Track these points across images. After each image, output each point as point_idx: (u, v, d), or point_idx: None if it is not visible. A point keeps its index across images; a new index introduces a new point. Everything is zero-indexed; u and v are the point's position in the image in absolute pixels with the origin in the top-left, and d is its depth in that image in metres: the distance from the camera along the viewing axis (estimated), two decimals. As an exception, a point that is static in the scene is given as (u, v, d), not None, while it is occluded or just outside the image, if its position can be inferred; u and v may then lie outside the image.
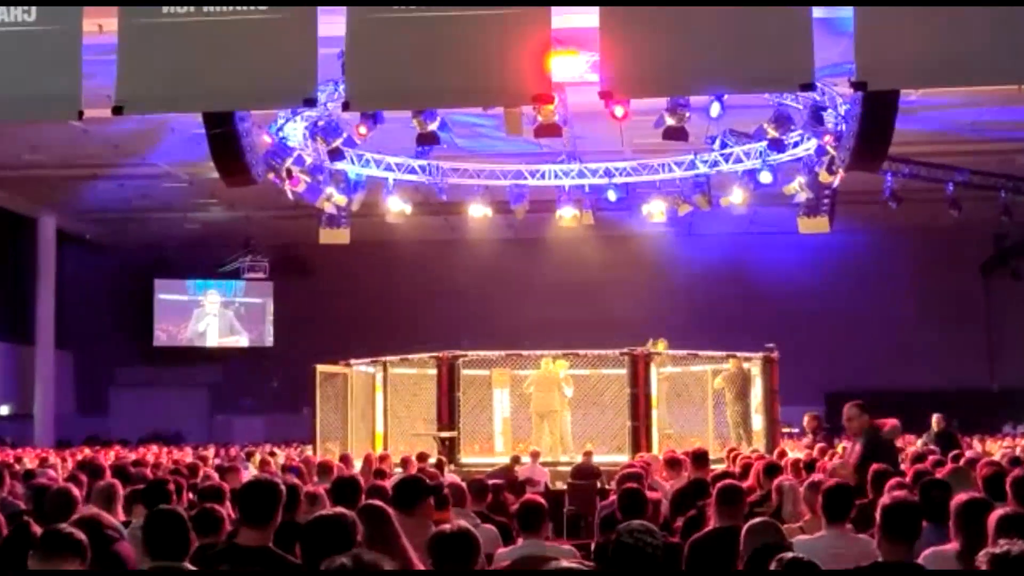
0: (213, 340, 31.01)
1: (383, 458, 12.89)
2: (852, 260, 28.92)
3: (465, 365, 16.99)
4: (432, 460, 13.12)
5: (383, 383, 17.65)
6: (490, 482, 8.69)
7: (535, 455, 14.98)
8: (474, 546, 4.39)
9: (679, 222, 23.93)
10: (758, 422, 17.21)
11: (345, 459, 12.88)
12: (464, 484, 7.86)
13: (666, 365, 17.66)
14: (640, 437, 15.77)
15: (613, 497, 7.64)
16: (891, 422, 9.78)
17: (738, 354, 17.40)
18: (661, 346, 17.32)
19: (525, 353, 17.65)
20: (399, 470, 12.02)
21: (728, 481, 6.72)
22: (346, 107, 7.39)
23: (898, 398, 25.24)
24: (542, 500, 6.32)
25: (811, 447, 13.87)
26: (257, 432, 28.75)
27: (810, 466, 10.49)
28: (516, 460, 14.49)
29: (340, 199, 19.49)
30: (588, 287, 29.01)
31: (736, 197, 19.85)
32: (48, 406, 28.22)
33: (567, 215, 21.43)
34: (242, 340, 31.16)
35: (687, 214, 21.46)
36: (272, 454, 17.09)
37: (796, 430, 20.44)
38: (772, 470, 8.69)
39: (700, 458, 9.90)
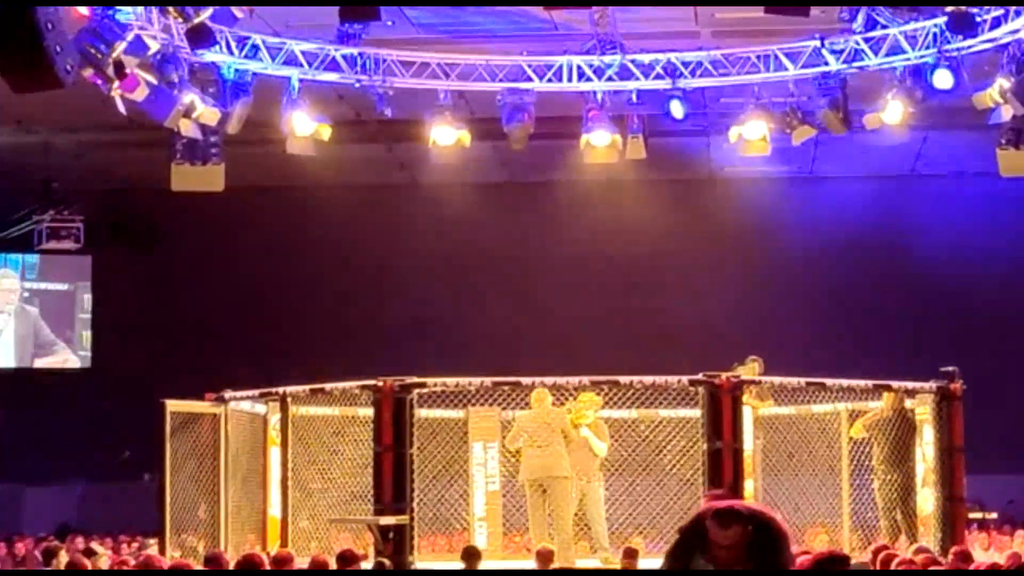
0: (8, 357, 30.56)
1: (281, 560, 12.92)
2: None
3: (423, 401, 17.04)
4: (366, 565, 13.12)
5: (281, 431, 17.68)
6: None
7: (544, 556, 14.99)
8: None
9: (793, 156, 23.92)
10: (928, 501, 17.28)
11: (215, 561, 12.93)
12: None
13: (768, 402, 17.70)
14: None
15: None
16: (771, 518, 9.32)
17: (895, 384, 17.45)
18: (751, 370, 17.33)
19: (526, 381, 17.65)
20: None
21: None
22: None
23: None
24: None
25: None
26: (64, 513, 28.78)
27: (1016, 577, 10.59)
28: (473, 555, 14.61)
29: (208, 114, 19.49)
30: (635, 267, 29.03)
31: (891, 114, 19.89)
32: None
33: (600, 143, 21.43)
34: (68, 358, 30.61)
35: (806, 143, 21.46)
36: (90, 552, 17.12)
37: (994, 515, 20.50)
38: (951, 583, 8.76)
39: (832, 568, 9.84)
